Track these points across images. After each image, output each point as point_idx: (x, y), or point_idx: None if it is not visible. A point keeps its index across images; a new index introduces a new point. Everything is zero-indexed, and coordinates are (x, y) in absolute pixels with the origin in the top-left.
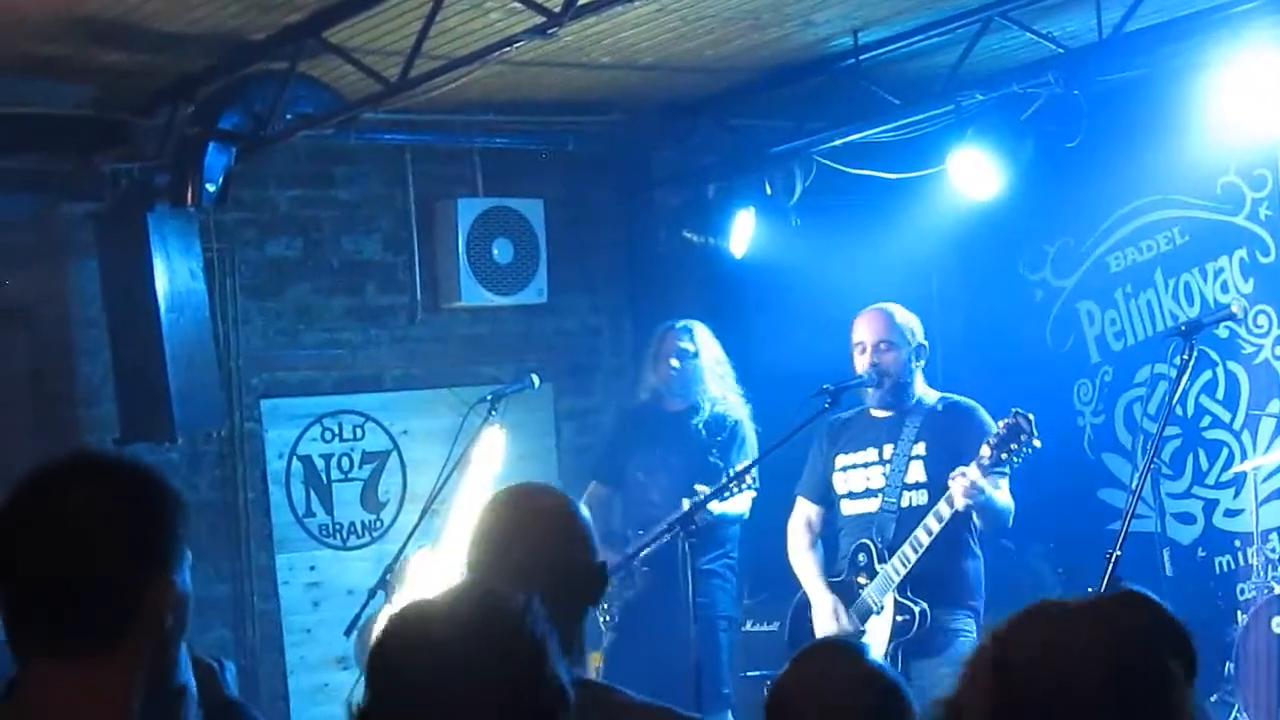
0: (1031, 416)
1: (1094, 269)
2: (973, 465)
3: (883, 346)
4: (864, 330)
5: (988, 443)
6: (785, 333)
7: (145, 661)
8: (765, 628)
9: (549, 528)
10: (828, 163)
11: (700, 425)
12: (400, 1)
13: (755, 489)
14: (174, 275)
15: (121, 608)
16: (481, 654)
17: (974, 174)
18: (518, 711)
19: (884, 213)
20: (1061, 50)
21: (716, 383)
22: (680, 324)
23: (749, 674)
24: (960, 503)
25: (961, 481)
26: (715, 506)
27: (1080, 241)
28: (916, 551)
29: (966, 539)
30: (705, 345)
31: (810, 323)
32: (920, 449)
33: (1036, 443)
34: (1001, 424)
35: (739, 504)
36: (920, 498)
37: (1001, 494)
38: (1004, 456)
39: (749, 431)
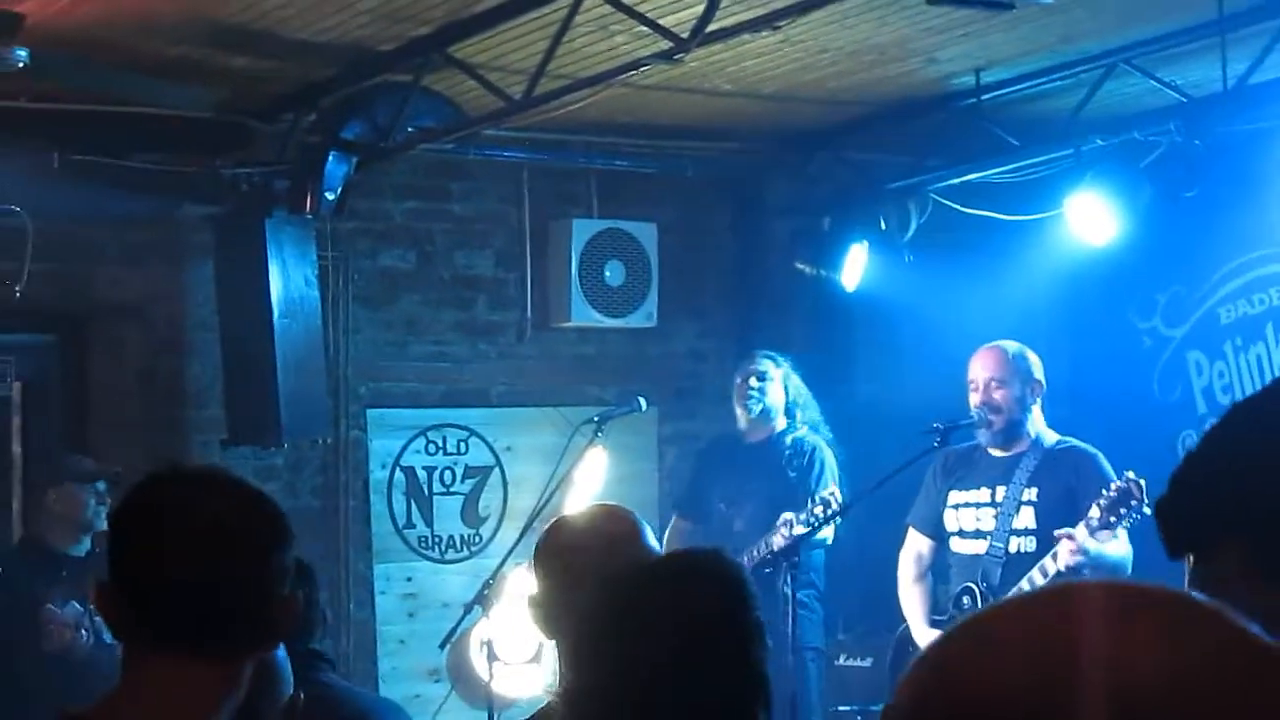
0: (1143, 482)
1: (1204, 320)
2: (1080, 526)
3: (994, 385)
4: (977, 368)
5: (1097, 504)
6: (893, 368)
7: (250, 669)
8: (859, 663)
9: (612, 557)
10: (944, 201)
11: (785, 450)
12: (527, 20)
13: (840, 517)
14: (288, 281)
15: (258, 620)
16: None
17: (1090, 219)
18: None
19: (997, 253)
20: (1184, 99)
21: (798, 411)
22: (762, 352)
23: (841, 709)
24: (1064, 564)
25: (1068, 544)
26: (798, 531)
27: (1192, 291)
28: None
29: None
30: (787, 371)
31: (919, 360)
32: (1031, 494)
33: (1146, 509)
34: (1113, 486)
35: (823, 530)
36: (1028, 544)
37: (1117, 545)
38: (1112, 520)
39: (829, 457)
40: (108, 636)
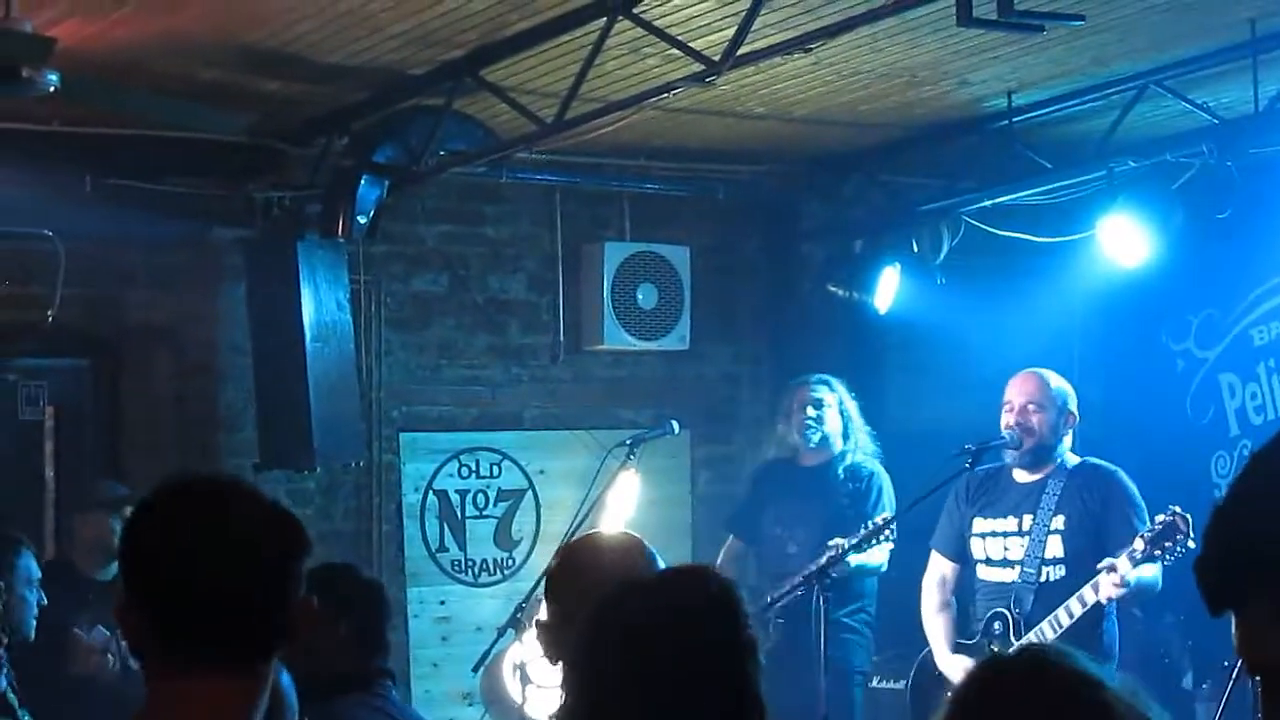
0: (1189, 518)
1: (1237, 341)
2: (1123, 558)
3: (1030, 408)
4: (1015, 390)
5: (1142, 536)
6: (925, 390)
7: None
8: (892, 685)
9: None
10: (976, 223)
11: (841, 474)
12: (559, 43)
13: (893, 541)
14: (321, 305)
15: (279, 625)
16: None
17: (1123, 241)
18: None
19: (1030, 275)
20: (1216, 120)
21: (854, 434)
22: (814, 377)
23: None
24: (1105, 596)
25: (1111, 577)
26: (853, 558)
27: (1225, 313)
28: (1055, 631)
29: (1101, 608)
30: (842, 395)
31: (951, 382)
32: (1059, 522)
33: (1191, 543)
34: (1158, 520)
35: (877, 555)
36: (1058, 573)
37: (1150, 568)
38: (1156, 553)
39: (886, 483)
40: (134, 662)
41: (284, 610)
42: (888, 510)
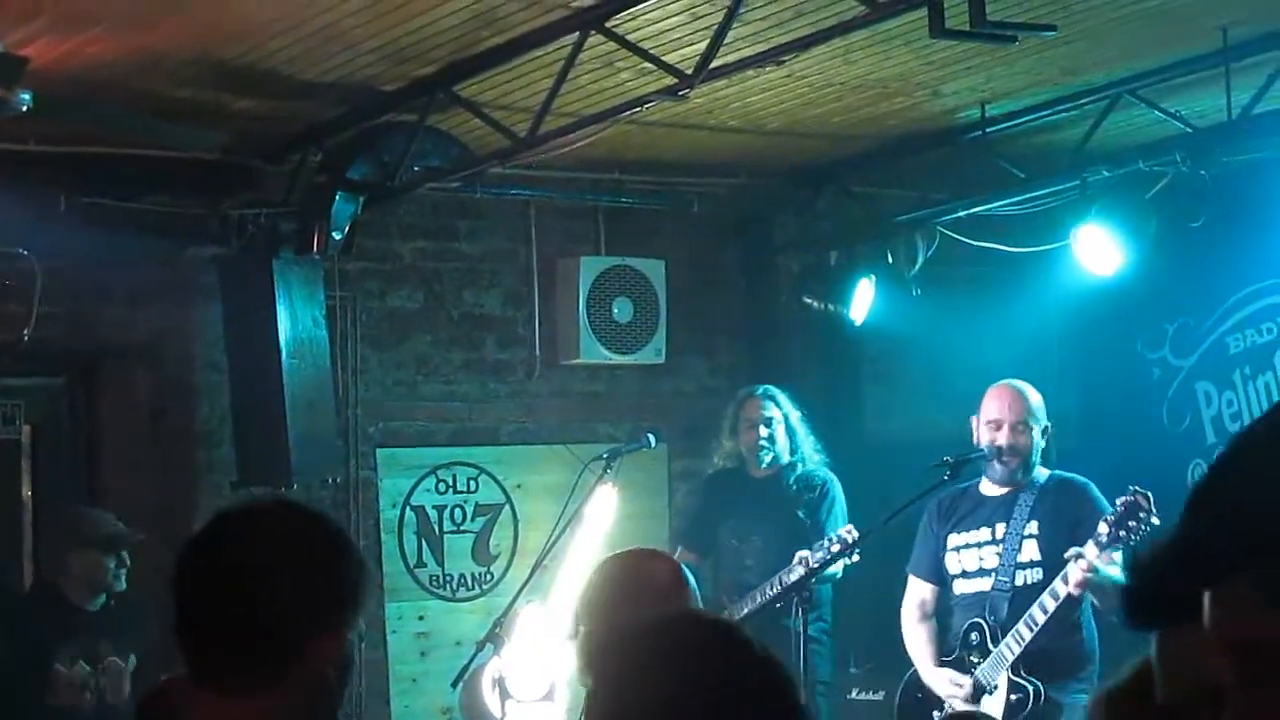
0: (1150, 495)
1: (1213, 350)
2: (1089, 544)
3: (1019, 427)
4: (1002, 408)
5: (1105, 520)
6: (901, 401)
7: (300, 708)
8: (871, 696)
9: (656, 595)
10: (951, 234)
11: (793, 484)
12: (532, 58)
13: (859, 553)
14: (296, 322)
15: (281, 654)
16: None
17: (1097, 250)
18: None
19: (1005, 285)
20: (1189, 129)
21: (803, 443)
22: (760, 390)
23: None
24: (1075, 585)
25: (1079, 564)
26: (813, 566)
27: (1200, 321)
28: (1031, 630)
29: (1076, 613)
30: (787, 409)
31: (927, 393)
32: (1033, 528)
33: (1155, 520)
34: (1120, 502)
35: (835, 564)
36: (1034, 575)
37: (1118, 570)
38: (1122, 534)
39: (838, 490)
40: (111, 697)
41: (290, 637)
42: (842, 518)
